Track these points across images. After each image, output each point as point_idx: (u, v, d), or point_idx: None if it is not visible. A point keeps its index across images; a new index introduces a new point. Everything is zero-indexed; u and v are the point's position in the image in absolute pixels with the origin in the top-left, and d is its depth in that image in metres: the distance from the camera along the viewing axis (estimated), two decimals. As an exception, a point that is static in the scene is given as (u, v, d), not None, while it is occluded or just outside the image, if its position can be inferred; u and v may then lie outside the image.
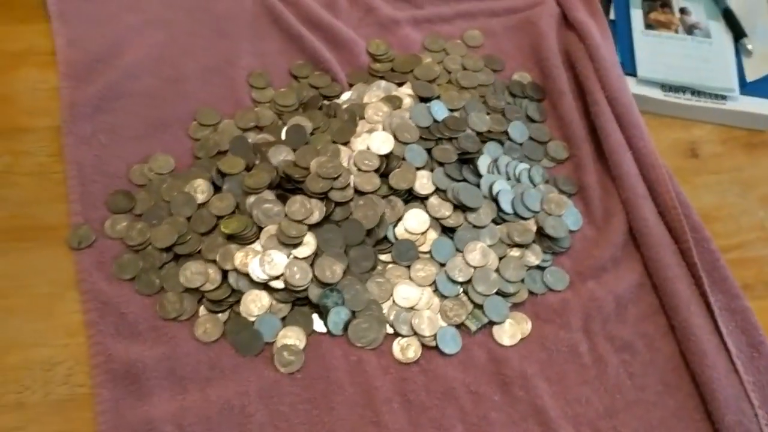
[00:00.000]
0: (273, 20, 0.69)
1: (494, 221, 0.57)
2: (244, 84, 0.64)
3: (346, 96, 0.64)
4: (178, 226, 0.54)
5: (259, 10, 0.70)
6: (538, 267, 0.56)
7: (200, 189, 0.56)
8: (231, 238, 0.54)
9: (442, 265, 0.54)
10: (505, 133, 0.63)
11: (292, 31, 0.68)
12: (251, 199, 0.55)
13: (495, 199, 0.58)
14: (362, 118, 0.61)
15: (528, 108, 0.65)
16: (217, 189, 0.57)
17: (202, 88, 0.64)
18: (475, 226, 0.56)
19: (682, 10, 0.72)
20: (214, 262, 0.53)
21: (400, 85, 0.65)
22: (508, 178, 0.60)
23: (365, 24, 0.70)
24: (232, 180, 0.57)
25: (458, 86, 0.66)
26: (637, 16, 0.70)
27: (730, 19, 0.71)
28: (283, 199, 0.55)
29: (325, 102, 0.63)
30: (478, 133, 0.61)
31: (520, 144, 0.62)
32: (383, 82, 0.64)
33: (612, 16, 0.71)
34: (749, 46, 0.69)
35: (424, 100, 0.63)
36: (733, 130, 0.67)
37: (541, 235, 0.57)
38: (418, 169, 0.58)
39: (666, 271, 0.55)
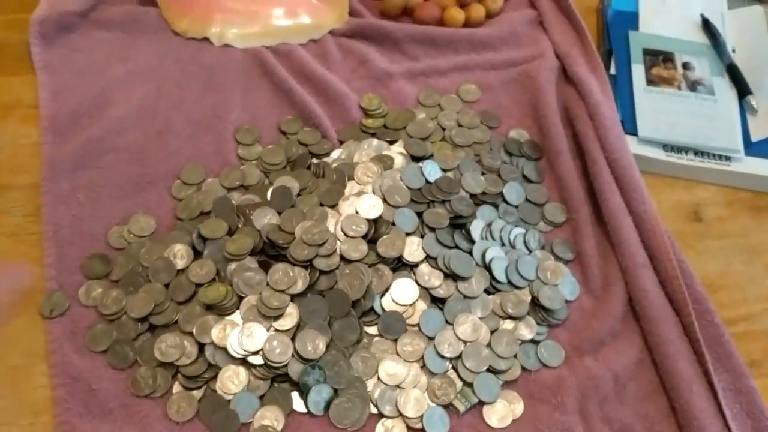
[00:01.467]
0: (263, 72, 0.67)
1: (486, 291, 0.54)
2: (232, 139, 0.63)
3: (335, 154, 0.62)
4: (155, 295, 0.52)
5: (250, 61, 0.68)
6: (533, 341, 0.53)
7: (180, 254, 0.54)
8: (210, 308, 0.52)
9: (431, 338, 0.52)
10: (501, 194, 0.60)
11: (283, 84, 0.66)
12: (232, 266, 0.53)
13: (488, 267, 0.55)
14: (351, 178, 0.59)
15: (524, 167, 0.63)
16: (198, 254, 0.55)
17: (188, 144, 0.62)
18: (466, 297, 0.54)
19: (685, 66, 0.70)
20: (191, 334, 0.50)
21: (392, 142, 0.63)
22: (503, 244, 0.57)
23: (358, 77, 0.68)
24: (213, 245, 0.54)
25: (452, 144, 0.63)
26: (638, 71, 0.68)
27: (735, 76, 0.68)
28: (266, 266, 0.53)
29: (314, 160, 0.61)
30: (472, 195, 0.59)
31: (516, 206, 0.60)
32: (375, 141, 0.62)
33: (613, 70, 0.69)
34: (754, 104, 0.67)
35: (417, 158, 0.61)
36: (738, 192, 0.64)
37: (535, 305, 0.55)
38: (408, 234, 0.55)
39: (667, 347, 0.52)
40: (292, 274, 0.52)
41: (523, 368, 0.52)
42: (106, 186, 0.58)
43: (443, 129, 0.65)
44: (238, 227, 0.56)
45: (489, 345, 0.52)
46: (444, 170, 0.60)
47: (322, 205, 0.57)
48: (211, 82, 0.66)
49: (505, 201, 0.60)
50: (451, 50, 0.71)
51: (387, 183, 0.58)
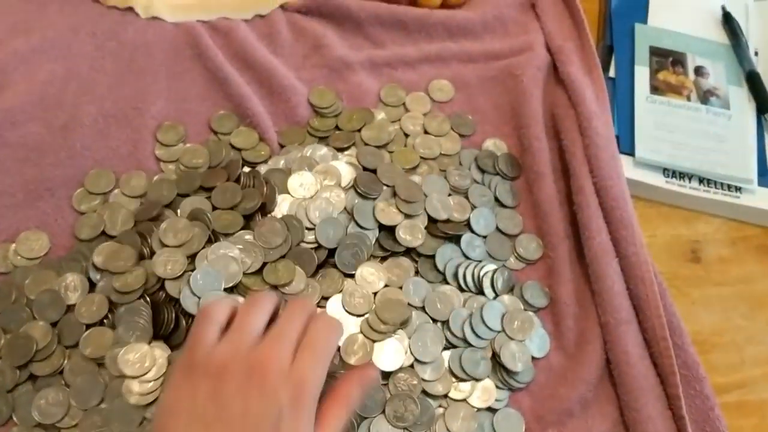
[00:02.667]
0: (196, 55, 0.56)
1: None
2: (152, 138, 0.52)
3: (273, 163, 0.52)
4: (39, 336, 0.43)
5: (181, 39, 0.57)
6: (489, 408, 0.45)
7: (73, 286, 0.45)
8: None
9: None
10: (467, 222, 0.51)
11: (218, 71, 0.55)
12: (121, 309, 0.44)
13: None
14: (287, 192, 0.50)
15: (498, 188, 0.53)
16: (93, 286, 0.45)
17: (98, 142, 0.52)
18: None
19: (698, 71, 0.59)
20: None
21: (342, 150, 0.53)
22: (462, 288, 0.48)
23: (311, 65, 0.57)
24: (107, 277, 0.45)
25: (415, 154, 0.53)
26: (642, 75, 0.58)
27: (755, 86, 0.58)
28: (158, 308, 0.44)
29: (245, 170, 0.51)
30: (432, 221, 0.50)
31: (484, 236, 0.51)
32: (322, 149, 0.52)
33: (612, 73, 0.58)
34: (776, 123, 0.57)
35: (370, 170, 0.52)
36: (745, 228, 0.55)
37: (497, 362, 0.46)
38: (346, 276, 0.46)
39: (646, 425, 0.44)
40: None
41: (473, 444, 0.44)
42: (-6, 192, 0.49)
43: (406, 135, 0.55)
44: (143, 255, 0.46)
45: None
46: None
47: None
48: (132, 65, 0.55)
49: (471, 230, 0.51)
50: (423, 36, 0.60)
51: (321, 211, 0.48)
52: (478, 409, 0.45)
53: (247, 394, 0.34)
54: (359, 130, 0.54)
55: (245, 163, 0.52)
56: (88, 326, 0.44)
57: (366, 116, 0.55)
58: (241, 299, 0.45)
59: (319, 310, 0.44)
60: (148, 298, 0.45)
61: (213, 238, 0.47)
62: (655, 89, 0.57)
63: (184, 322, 0.44)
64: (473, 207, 0.51)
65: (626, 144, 0.54)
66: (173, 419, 0.34)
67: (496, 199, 0.53)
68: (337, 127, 0.54)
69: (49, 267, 0.46)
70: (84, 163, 0.51)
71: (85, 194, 0.50)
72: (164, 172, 0.51)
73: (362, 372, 0.40)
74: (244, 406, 0.34)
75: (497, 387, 0.45)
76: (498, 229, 0.51)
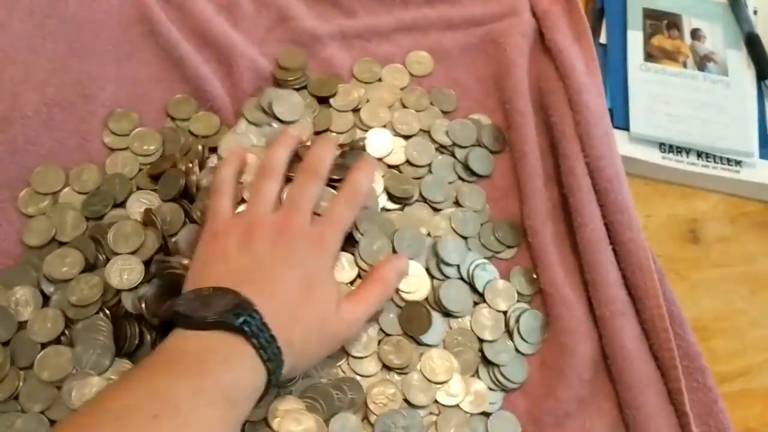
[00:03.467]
0: (148, 32, 0.51)
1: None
2: (102, 128, 0.48)
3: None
4: (-13, 358, 0.39)
5: (130, 14, 0.52)
6: (483, 413, 0.42)
7: (24, 300, 0.41)
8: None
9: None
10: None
11: (173, 49, 0.50)
12: (78, 324, 0.40)
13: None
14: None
15: (470, 156, 0.49)
16: (47, 300, 0.41)
17: (42, 134, 0.47)
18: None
19: (695, 34, 0.55)
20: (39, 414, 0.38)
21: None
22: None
23: (275, 38, 0.53)
24: (61, 289, 0.41)
25: (393, 133, 0.49)
26: (635, 40, 0.54)
27: (754, 49, 0.54)
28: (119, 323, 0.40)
29: (211, 157, 0.47)
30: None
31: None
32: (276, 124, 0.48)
33: (603, 38, 0.54)
34: (777, 89, 0.53)
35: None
36: (745, 204, 0.52)
37: (486, 362, 0.43)
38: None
39: (647, 424, 0.42)
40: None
41: (466, 452, 0.41)
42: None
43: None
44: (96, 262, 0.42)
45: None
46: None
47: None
48: (76, 45, 0.50)
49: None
50: (398, 3, 0.55)
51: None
52: (471, 415, 0.42)
53: (275, 245, 0.38)
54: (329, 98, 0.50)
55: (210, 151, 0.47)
56: (43, 345, 0.40)
57: (335, 82, 0.50)
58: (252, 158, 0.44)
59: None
60: (107, 311, 0.41)
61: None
62: (649, 56, 0.53)
63: (149, 336, 0.40)
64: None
65: (620, 118, 0.51)
66: (208, 269, 0.38)
67: (467, 168, 0.49)
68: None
69: (-6, 280, 0.42)
70: (29, 159, 0.46)
71: (32, 195, 0.45)
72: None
73: (397, 258, 0.43)
74: (272, 254, 0.38)
75: (490, 389, 0.43)
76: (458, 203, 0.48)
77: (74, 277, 0.41)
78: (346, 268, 0.43)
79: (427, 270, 0.45)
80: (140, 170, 0.46)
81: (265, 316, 0.35)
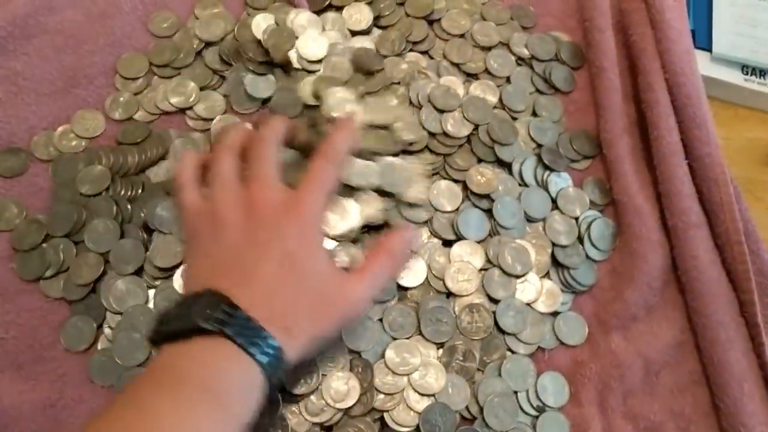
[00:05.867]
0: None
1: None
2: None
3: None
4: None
5: None
6: (554, 314, 0.43)
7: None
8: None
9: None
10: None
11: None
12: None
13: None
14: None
15: (554, 72, 0.50)
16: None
17: (138, 29, 0.49)
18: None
19: (784, -41, 0.54)
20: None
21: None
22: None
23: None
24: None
25: (473, 44, 0.50)
26: (721, -37, 0.53)
27: None
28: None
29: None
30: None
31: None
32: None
33: (687, -41, 0.53)
34: None
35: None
36: (828, 132, 0.51)
37: (555, 263, 0.44)
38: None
39: (716, 331, 0.42)
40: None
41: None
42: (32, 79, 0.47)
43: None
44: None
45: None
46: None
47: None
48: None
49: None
50: None
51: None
52: (543, 314, 0.43)
53: (244, 227, 0.36)
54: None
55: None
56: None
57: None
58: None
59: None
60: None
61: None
62: (735, -21, 0.52)
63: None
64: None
65: (702, 38, 0.50)
66: (193, 270, 0.37)
67: (546, 81, 0.50)
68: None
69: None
70: (123, 52, 0.48)
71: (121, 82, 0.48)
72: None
73: (404, 231, 0.41)
74: (243, 237, 0.35)
75: (561, 291, 0.43)
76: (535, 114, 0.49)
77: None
78: (351, 215, 0.42)
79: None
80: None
81: (248, 307, 0.32)
